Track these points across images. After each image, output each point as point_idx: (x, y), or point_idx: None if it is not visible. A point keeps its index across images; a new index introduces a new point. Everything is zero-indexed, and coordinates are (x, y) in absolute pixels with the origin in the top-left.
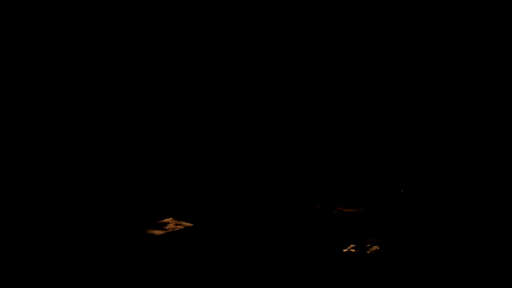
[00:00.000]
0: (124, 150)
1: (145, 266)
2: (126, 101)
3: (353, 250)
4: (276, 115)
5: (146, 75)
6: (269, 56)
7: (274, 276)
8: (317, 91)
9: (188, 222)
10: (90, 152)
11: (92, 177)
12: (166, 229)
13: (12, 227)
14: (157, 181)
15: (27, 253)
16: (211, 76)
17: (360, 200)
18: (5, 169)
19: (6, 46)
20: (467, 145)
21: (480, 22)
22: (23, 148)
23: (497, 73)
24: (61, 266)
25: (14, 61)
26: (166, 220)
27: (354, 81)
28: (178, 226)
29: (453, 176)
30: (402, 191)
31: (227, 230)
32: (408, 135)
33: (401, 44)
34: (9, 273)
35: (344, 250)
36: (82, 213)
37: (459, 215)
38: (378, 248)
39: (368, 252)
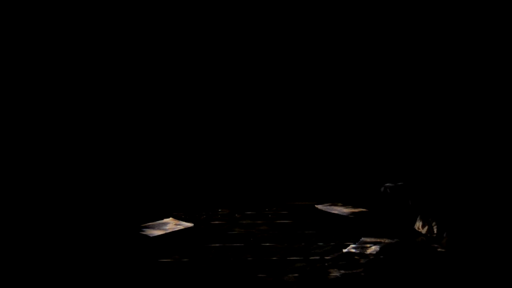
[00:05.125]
0: (124, 151)
1: (144, 265)
2: (126, 101)
3: (353, 250)
4: (277, 117)
5: (147, 77)
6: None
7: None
8: (313, 93)
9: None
10: (90, 152)
11: (92, 177)
12: (166, 229)
13: (12, 227)
14: (157, 180)
15: (27, 253)
16: (208, 80)
17: (358, 198)
18: (5, 169)
19: (6, 46)
20: (460, 143)
21: (480, 22)
22: (23, 148)
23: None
24: (61, 265)
25: (14, 61)
26: (166, 220)
27: (350, 82)
28: (178, 226)
29: (446, 174)
30: (388, 188)
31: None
32: (398, 134)
33: (398, 45)
34: (9, 273)
35: (344, 250)
36: (81, 213)
37: (456, 213)
38: (378, 248)
39: (368, 252)
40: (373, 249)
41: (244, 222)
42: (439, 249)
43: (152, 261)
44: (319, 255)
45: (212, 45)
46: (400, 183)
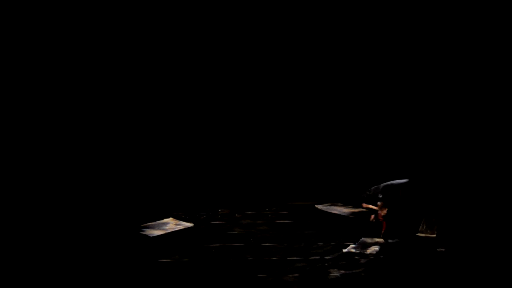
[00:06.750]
0: (124, 152)
1: (144, 265)
2: (127, 103)
3: (353, 250)
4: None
5: (148, 79)
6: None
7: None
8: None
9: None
10: (91, 153)
11: (92, 178)
12: (166, 229)
13: (12, 227)
14: (157, 180)
15: (27, 253)
16: (208, 82)
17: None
18: (6, 169)
19: (6, 46)
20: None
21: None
22: (24, 148)
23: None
24: (61, 265)
25: (14, 61)
26: (166, 220)
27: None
28: (178, 226)
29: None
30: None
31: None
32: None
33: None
34: (9, 273)
35: (344, 250)
36: (82, 213)
37: (452, 214)
38: (378, 248)
39: (368, 252)
40: (373, 249)
41: (244, 222)
42: (439, 249)
43: (152, 261)
44: (319, 255)
45: (213, 47)
46: (384, 184)
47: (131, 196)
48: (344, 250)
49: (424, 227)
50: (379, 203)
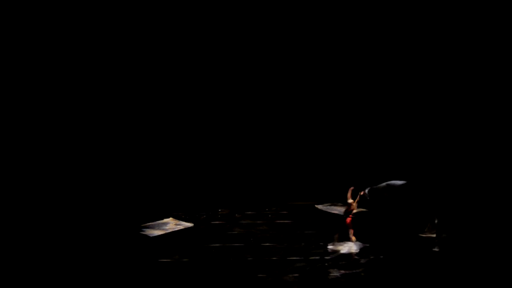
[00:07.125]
0: (124, 151)
1: (144, 265)
2: (127, 102)
3: (353, 250)
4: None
5: (147, 78)
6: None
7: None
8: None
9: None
10: (90, 153)
11: (92, 177)
12: (166, 229)
13: (12, 227)
14: (157, 180)
15: (27, 253)
16: (208, 81)
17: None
18: (6, 169)
19: (5, 46)
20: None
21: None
22: (23, 148)
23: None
24: (61, 265)
25: (14, 61)
26: (166, 220)
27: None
28: (178, 226)
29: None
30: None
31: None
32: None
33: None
34: (9, 273)
35: (343, 251)
36: (82, 213)
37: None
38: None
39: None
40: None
41: (244, 222)
42: (435, 249)
43: (152, 261)
44: (319, 255)
45: (212, 47)
46: (381, 185)
47: (131, 196)
48: (343, 251)
49: (428, 229)
50: (351, 200)
